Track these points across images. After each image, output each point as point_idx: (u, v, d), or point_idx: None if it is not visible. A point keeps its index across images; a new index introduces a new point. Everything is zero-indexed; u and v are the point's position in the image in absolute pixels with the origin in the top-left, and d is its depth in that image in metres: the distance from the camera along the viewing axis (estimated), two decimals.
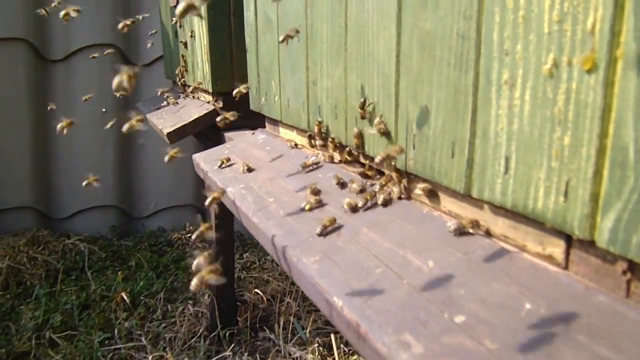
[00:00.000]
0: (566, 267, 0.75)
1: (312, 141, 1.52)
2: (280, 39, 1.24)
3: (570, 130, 0.69)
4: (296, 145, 1.64)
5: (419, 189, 1.06)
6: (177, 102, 3.18)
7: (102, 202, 4.21)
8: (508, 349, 0.64)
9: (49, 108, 3.52)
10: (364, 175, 1.23)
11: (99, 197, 4.19)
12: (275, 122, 1.89)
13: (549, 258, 0.78)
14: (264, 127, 2.05)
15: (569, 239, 0.74)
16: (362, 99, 1.19)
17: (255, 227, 1.22)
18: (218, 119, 1.80)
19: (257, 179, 1.47)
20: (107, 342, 2.84)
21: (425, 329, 0.72)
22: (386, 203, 1.11)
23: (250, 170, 1.51)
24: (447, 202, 1.00)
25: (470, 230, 0.91)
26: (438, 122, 0.96)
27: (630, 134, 0.61)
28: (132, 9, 4.15)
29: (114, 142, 4.21)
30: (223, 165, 1.65)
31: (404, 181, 1.13)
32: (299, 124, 1.60)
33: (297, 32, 1.22)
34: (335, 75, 1.33)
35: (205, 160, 1.80)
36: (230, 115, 1.77)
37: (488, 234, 0.90)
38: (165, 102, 3.29)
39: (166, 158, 1.70)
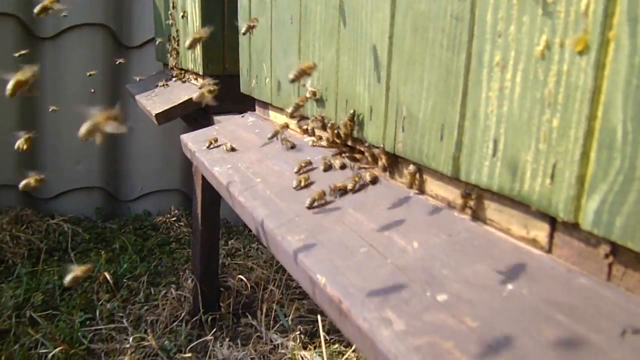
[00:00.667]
0: (549, 251, 0.76)
1: (301, 123, 1.51)
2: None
3: (559, 113, 0.69)
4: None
5: (406, 171, 1.06)
6: (167, 85, 3.15)
7: (87, 184, 4.17)
8: (488, 327, 0.64)
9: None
10: (352, 159, 1.23)
11: (84, 179, 4.15)
12: (266, 105, 1.88)
13: (533, 241, 0.78)
14: (254, 110, 2.04)
15: (553, 223, 0.75)
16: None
17: (241, 206, 1.21)
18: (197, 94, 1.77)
19: (245, 160, 1.47)
20: (88, 322, 2.81)
21: (408, 306, 0.71)
22: (374, 182, 1.11)
23: (233, 149, 1.50)
24: (434, 185, 1.00)
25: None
26: (428, 105, 0.96)
27: (619, 116, 0.61)
28: None
29: None
30: (211, 146, 1.64)
31: (392, 163, 1.12)
32: (288, 107, 1.59)
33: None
34: (328, 57, 1.32)
35: (193, 141, 1.78)
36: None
37: (473, 216, 0.90)
38: (155, 85, 3.26)
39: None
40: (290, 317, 2.73)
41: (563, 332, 0.60)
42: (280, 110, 1.72)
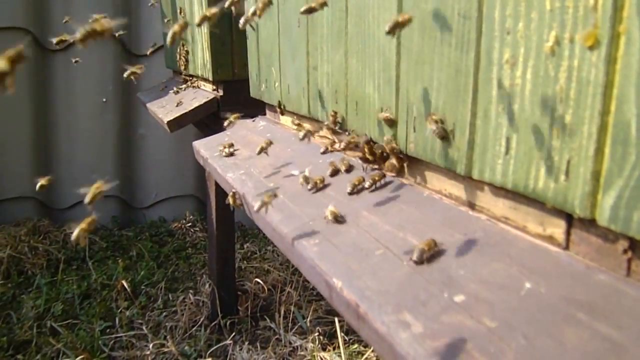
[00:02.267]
0: (567, 248, 0.75)
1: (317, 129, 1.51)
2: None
3: (571, 109, 0.68)
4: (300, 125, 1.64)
5: (419, 171, 1.06)
6: (178, 92, 3.17)
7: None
8: (508, 327, 0.64)
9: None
10: (365, 160, 1.22)
11: None
12: (276, 109, 1.88)
13: (550, 238, 0.78)
14: (265, 114, 2.05)
15: (569, 219, 0.74)
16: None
17: (255, 212, 1.21)
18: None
19: (257, 165, 1.47)
20: (108, 330, 2.83)
21: (425, 308, 0.71)
22: (386, 184, 1.11)
23: (231, 153, 1.51)
24: (448, 185, 1.00)
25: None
26: (439, 104, 0.95)
27: (632, 110, 0.60)
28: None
29: (115, 132, 4.20)
30: (225, 153, 1.64)
31: (405, 165, 1.12)
32: (299, 110, 1.59)
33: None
34: (336, 59, 1.33)
35: (205, 147, 1.79)
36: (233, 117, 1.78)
37: (488, 216, 0.89)
38: (165, 92, 3.28)
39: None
40: (308, 319, 2.72)
41: (584, 330, 0.59)
42: (291, 114, 1.72)
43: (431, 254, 0.81)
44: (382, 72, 1.13)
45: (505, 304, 0.68)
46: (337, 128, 1.28)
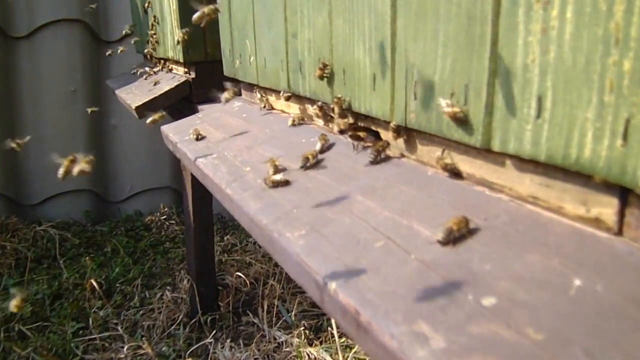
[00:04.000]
0: (619, 233, 0.59)
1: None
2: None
3: (632, 51, 0.52)
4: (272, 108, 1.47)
5: (422, 146, 0.90)
6: (148, 76, 2.97)
7: (74, 187, 4.00)
8: (560, 339, 0.48)
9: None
10: (355, 137, 1.06)
11: (71, 182, 3.95)
12: (252, 87, 1.70)
13: (596, 222, 0.62)
14: (240, 95, 1.87)
15: (624, 196, 0.58)
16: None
17: (230, 200, 1.05)
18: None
19: (232, 148, 1.30)
20: (81, 332, 2.68)
21: (446, 315, 0.55)
22: (381, 161, 0.95)
23: (199, 138, 1.35)
24: (458, 160, 0.84)
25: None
26: (446, 63, 0.79)
27: None
28: None
29: (85, 123, 3.98)
30: (199, 138, 1.46)
31: (402, 140, 0.96)
32: (277, 85, 1.42)
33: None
34: (319, 22, 1.15)
35: (174, 132, 1.61)
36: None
37: (511, 196, 0.73)
38: (135, 78, 3.08)
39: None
40: (293, 313, 2.61)
41: None
42: (270, 91, 1.55)
43: (460, 235, 0.66)
44: (374, 32, 0.96)
45: (552, 307, 0.52)
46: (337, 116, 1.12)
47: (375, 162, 0.95)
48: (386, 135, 1.00)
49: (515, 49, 0.66)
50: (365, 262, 0.69)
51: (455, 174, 0.83)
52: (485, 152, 0.76)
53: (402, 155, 0.98)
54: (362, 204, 0.85)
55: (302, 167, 1.03)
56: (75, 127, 3.98)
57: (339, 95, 1.07)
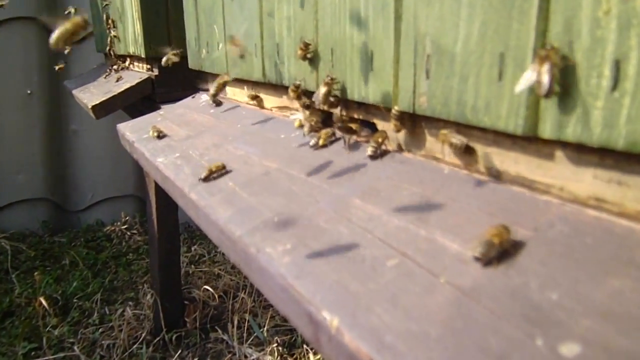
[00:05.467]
0: None
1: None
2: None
3: None
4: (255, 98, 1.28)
5: (436, 137, 0.72)
6: (108, 75, 2.76)
7: (31, 195, 3.74)
8: None
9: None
10: (346, 130, 0.88)
11: (27, 190, 3.72)
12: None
13: None
14: (207, 90, 1.67)
15: None
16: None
17: (195, 207, 0.85)
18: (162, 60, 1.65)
19: (198, 146, 1.10)
20: (33, 353, 2.47)
21: None
22: (380, 156, 0.77)
23: (161, 136, 1.15)
24: (488, 152, 0.66)
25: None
26: (473, 30, 0.61)
27: None
28: None
29: (43, 127, 3.73)
30: (160, 136, 1.27)
31: (405, 131, 0.78)
32: (250, 75, 1.23)
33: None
34: None
35: (132, 130, 1.41)
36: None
37: (564, 199, 0.56)
38: (94, 77, 2.87)
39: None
40: (265, 328, 2.45)
41: None
42: (240, 83, 1.36)
43: (503, 250, 0.48)
44: None
45: None
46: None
47: (374, 157, 0.77)
48: (385, 126, 0.83)
49: (580, 1, 0.49)
50: (375, 287, 0.51)
51: (467, 160, 0.66)
52: (525, 142, 0.58)
53: (402, 149, 0.80)
54: (362, 210, 0.67)
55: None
56: (31, 132, 3.73)
57: (333, 76, 0.88)
